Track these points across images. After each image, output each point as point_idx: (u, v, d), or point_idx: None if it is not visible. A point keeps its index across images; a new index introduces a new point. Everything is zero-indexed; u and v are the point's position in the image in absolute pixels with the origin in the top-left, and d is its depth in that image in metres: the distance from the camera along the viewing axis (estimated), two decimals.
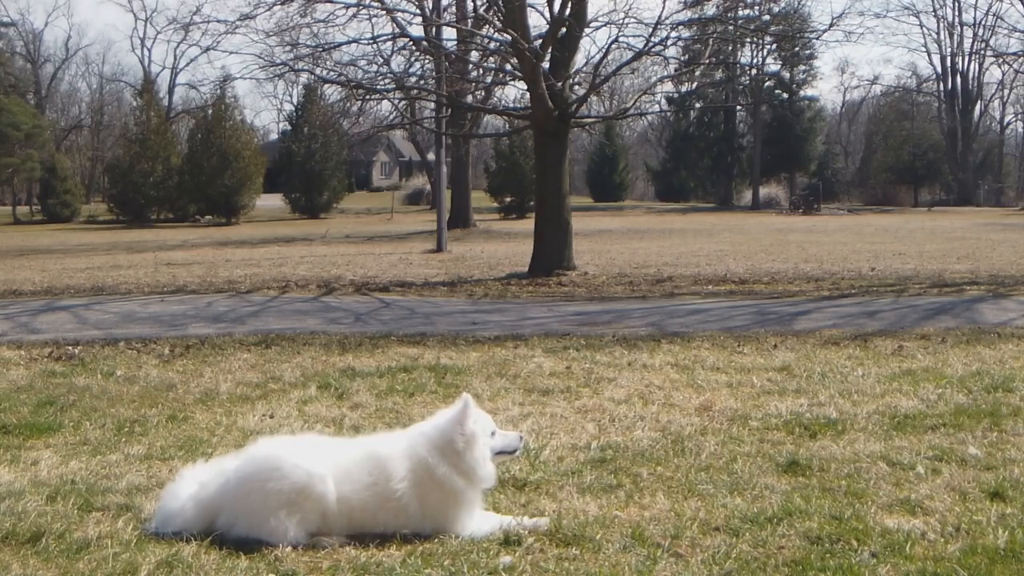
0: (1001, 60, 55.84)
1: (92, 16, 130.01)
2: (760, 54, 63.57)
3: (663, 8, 28.50)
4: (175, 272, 20.33)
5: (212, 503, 4.34)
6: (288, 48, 18.52)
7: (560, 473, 5.20)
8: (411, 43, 20.14)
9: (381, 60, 19.30)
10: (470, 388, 7.29)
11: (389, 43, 19.30)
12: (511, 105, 23.82)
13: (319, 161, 51.62)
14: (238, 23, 18.05)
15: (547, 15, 18.47)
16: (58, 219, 52.16)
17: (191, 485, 4.47)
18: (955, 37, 68.61)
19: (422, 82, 21.33)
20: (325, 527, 4.23)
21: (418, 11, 21.03)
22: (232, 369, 8.61)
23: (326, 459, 4.31)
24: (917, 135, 70.76)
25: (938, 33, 70.34)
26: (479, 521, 4.34)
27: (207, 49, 66.83)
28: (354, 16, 18.10)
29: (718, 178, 69.74)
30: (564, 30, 17.74)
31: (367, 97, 20.45)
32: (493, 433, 4.51)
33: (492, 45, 19.91)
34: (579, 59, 19.89)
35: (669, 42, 20.02)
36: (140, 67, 75.19)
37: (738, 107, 66.12)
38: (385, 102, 23.44)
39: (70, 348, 9.79)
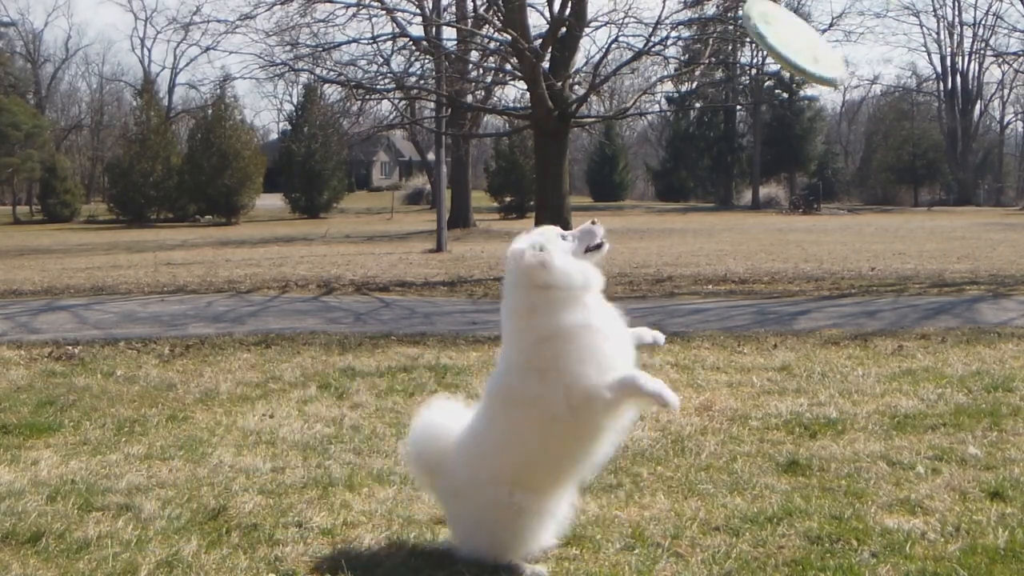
0: (1001, 60, 56.01)
1: (92, 16, 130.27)
2: (760, 54, 63.48)
3: (663, 8, 28.30)
4: (175, 272, 20.32)
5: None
6: (288, 48, 18.60)
7: None
8: (411, 43, 20.20)
9: (381, 60, 19.38)
10: (470, 388, 7.29)
11: (389, 43, 19.38)
12: (511, 105, 23.92)
13: (319, 161, 51.60)
14: (238, 23, 18.15)
15: (547, 15, 18.52)
16: (58, 219, 52.14)
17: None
18: (955, 37, 68.72)
19: (422, 82, 21.36)
20: None
21: (418, 11, 21.06)
22: (232, 369, 8.61)
23: None
24: (917, 135, 70.78)
25: (938, 33, 70.53)
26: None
27: (207, 49, 66.97)
28: (354, 16, 18.17)
29: (718, 178, 69.74)
30: (564, 30, 17.77)
31: (367, 97, 20.50)
32: (564, 237, 3.79)
33: (492, 45, 19.95)
34: (579, 59, 19.97)
35: (669, 42, 20.08)
36: (140, 67, 75.37)
37: (738, 107, 66.02)
38: (385, 102, 23.52)
39: (70, 348, 9.79)
